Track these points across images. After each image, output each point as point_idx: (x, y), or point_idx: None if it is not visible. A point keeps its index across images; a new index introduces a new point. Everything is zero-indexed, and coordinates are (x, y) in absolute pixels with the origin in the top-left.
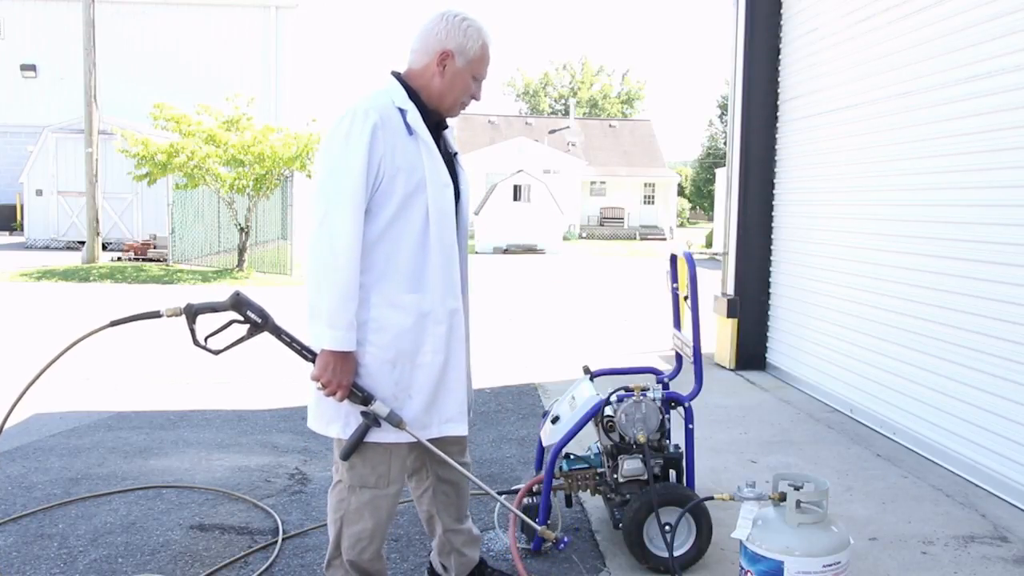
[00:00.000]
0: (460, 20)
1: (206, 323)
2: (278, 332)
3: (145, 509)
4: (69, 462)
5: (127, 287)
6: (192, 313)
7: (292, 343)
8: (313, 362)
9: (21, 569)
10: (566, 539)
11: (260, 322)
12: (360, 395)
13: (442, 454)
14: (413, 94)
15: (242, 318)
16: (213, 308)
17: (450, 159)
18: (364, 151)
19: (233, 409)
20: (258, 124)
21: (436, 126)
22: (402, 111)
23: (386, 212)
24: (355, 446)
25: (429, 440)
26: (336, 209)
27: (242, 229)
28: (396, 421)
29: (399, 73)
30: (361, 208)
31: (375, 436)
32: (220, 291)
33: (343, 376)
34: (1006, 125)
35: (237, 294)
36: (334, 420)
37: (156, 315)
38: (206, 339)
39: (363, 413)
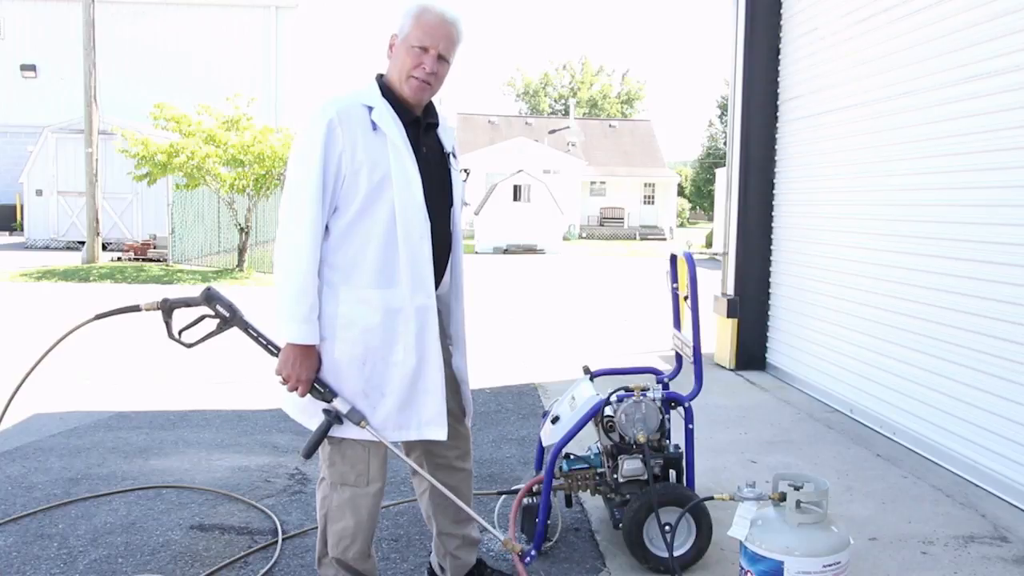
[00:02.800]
0: (403, 9)
1: (184, 320)
2: (245, 327)
3: (145, 509)
4: (69, 462)
5: (127, 287)
6: (168, 308)
7: (258, 338)
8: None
9: (21, 569)
10: (532, 553)
11: (228, 316)
12: (321, 391)
13: (406, 458)
14: (389, 92)
15: (213, 313)
16: (187, 303)
17: (443, 158)
18: (319, 149)
19: (233, 409)
20: (258, 124)
21: (415, 122)
22: (369, 108)
23: (352, 208)
24: (317, 444)
25: (408, 442)
26: (294, 206)
27: (242, 229)
28: (357, 419)
29: (382, 75)
30: (316, 206)
31: (353, 433)
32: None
33: (302, 370)
34: (1006, 125)
35: (208, 289)
36: (315, 414)
37: (136, 309)
38: (180, 332)
39: (325, 411)
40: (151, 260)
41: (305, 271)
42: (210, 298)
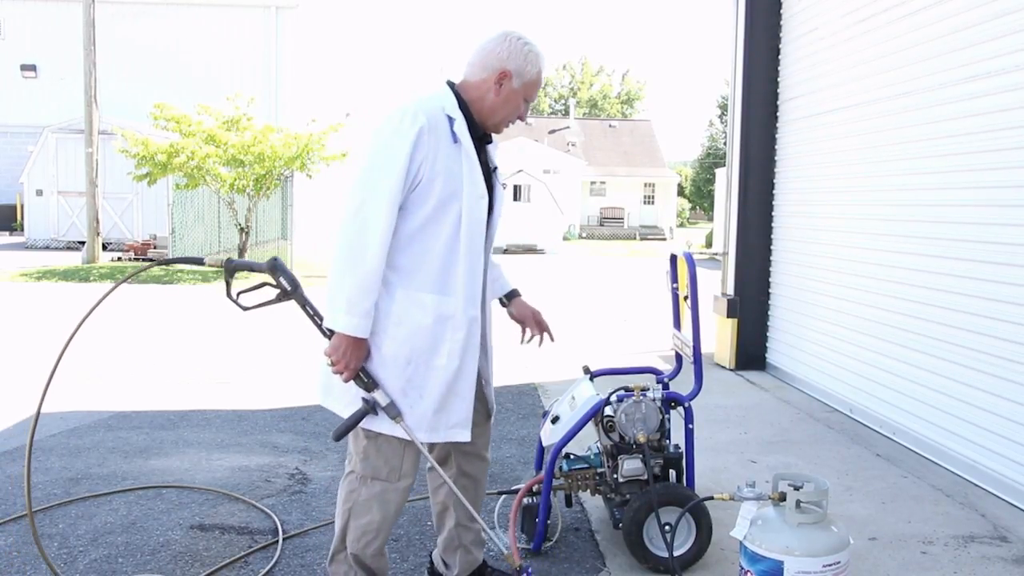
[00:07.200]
0: (523, 44)
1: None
2: (303, 303)
3: (145, 509)
4: (69, 462)
5: (127, 287)
6: (231, 268)
7: (314, 317)
8: (329, 339)
9: (21, 569)
10: (530, 570)
11: (289, 289)
12: (365, 380)
13: (434, 462)
14: (463, 105)
15: (274, 282)
16: (251, 267)
17: (489, 173)
18: (408, 151)
19: (233, 409)
20: (258, 124)
21: (480, 139)
22: (450, 119)
23: (421, 213)
24: (349, 429)
25: (437, 443)
26: (373, 202)
27: (242, 229)
28: (394, 413)
29: (453, 83)
30: (396, 205)
31: (386, 429)
32: (220, 292)
33: (352, 359)
34: (1006, 125)
35: (275, 259)
36: (351, 404)
37: (200, 262)
38: (238, 294)
39: (364, 399)
40: (150, 260)
41: (373, 270)
42: (275, 268)
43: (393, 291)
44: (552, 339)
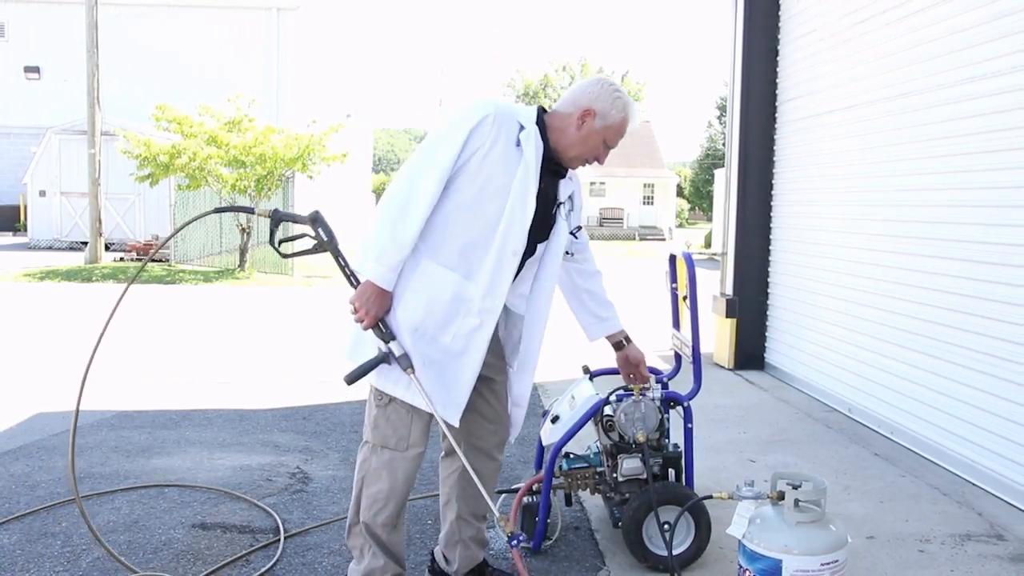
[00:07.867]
0: (613, 90)
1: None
2: (337, 254)
3: (147, 508)
4: None
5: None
6: (276, 218)
7: (345, 268)
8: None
9: (25, 567)
10: (521, 536)
11: (325, 240)
12: (383, 331)
13: (443, 423)
14: (544, 130)
15: (312, 233)
16: (294, 219)
17: (550, 203)
18: (466, 133)
19: (234, 408)
20: (259, 125)
21: (548, 161)
22: (521, 127)
23: (460, 197)
24: (362, 374)
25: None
26: (425, 171)
27: (243, 230)
28: (406, 365)
29: (544, 110)
30: (444, 179)
31: (389, 389)
32: (222, 292)
33: (375, 308)
34: (1005, 126)
35: (317, 212)
36: (365, 354)
37: (251, 211)
38: (279, 243)
39: (379, 349)
40: (153, 260)
41: (410, 230)
42: (315, 220)
43: (419, 260)
44: (649, 385)
